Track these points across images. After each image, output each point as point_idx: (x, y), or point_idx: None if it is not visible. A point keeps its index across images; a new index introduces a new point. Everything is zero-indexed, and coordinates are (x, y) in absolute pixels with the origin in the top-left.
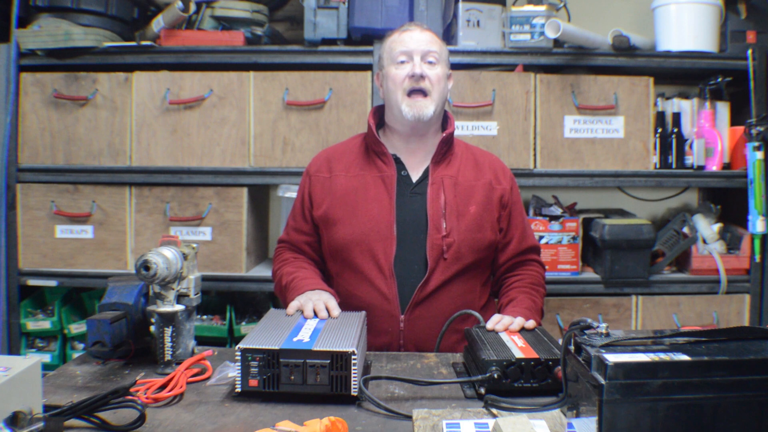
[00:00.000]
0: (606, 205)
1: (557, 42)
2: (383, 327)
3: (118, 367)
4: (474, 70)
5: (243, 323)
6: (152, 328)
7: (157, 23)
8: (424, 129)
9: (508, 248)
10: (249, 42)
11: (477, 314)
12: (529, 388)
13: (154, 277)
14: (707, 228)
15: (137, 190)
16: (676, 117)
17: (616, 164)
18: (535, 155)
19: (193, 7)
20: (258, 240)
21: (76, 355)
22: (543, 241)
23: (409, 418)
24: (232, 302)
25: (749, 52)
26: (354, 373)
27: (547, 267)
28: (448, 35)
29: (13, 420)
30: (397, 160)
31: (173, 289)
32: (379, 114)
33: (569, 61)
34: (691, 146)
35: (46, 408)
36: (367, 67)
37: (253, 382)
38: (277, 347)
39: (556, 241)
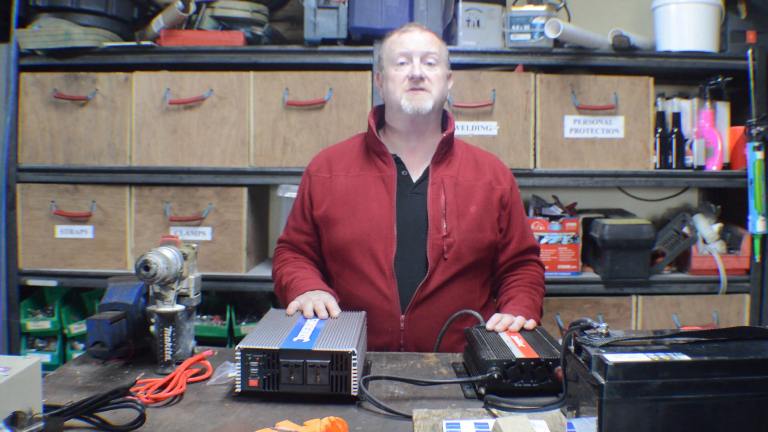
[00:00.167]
0: (606, 205)
1: (557, 42)
2: (383, 327)
3: (118, 367)
4: (474, 70)
5: (243, 323)
6: (152, 328)
7: (157, 23)
8: (424, 125)
9: (508, 248)
10: (249, 42)
11: (477, 314)
12: (529, 388)
13: (154, 277)
14: (707, 228)
15: (137, 190)
16: (676, 117)
17: (616, 164)
18: (535, 155)
19: (193, 7)
20: (258, 240)
21: (76, 355)
22: (543, 241)
23: (409, 418)
24: (232, 302)
25: (749, 52)
26: (354, 373)
27: (547, 267)
28: (448, 35)
29: (13, 420)
30: (398, 160)
31: (173, 289)
32: (379, 114)
33: (569, 61)
34: (691, 146)
35: (46, 408)
36: (367, 67)
37: (253, 382)
38: (277, 347)
39: (556, 241)
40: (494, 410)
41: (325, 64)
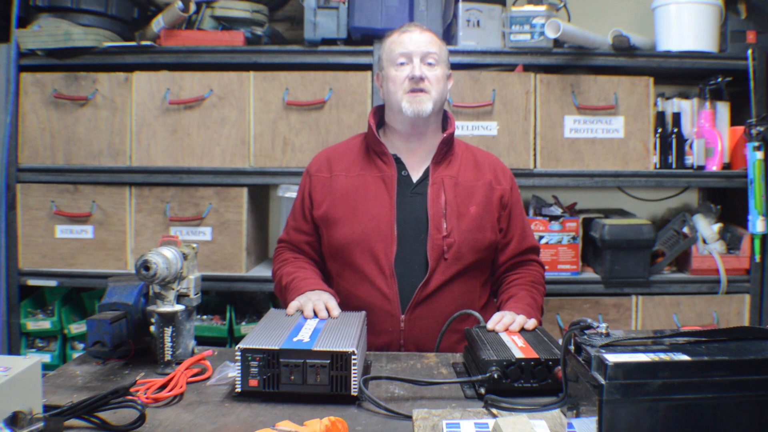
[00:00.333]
0: (606, 205)
1: (557, 42)
2: (383, 327)
3: (118, 367)
4: (474, 70)
5: (243, 323)
6: (152, 328)
7: (157, 23)
8: (424, 127)
9: (508, 248)
10: (249, 42)
11: (477, 314)
12: (529, 388)
13: (154, 277)
14: (707, 228)
15: (137, 190)
16: (676, 117)
17: (616, 164)
18: (535, 155)
19: (193, 7)
20: (258, 240)
21: (76, 355)
22: (543, 241)
23: (409, 418)
24: (232, 302)
25: (749, 52)
26: (354, 373)
27: (547, 267)
28: (448, 35)
29: (13, 420)
30: (398, 160)
31: (173, 289)
32: (380, 114)
33: (569, 61)
34: (691, 146)
35: (46, 408)
36: (367, 67)
37: (253, 382)
38: (277, 347)
39: (556, 241)
40: (494, 410)
41: (325, 64)
